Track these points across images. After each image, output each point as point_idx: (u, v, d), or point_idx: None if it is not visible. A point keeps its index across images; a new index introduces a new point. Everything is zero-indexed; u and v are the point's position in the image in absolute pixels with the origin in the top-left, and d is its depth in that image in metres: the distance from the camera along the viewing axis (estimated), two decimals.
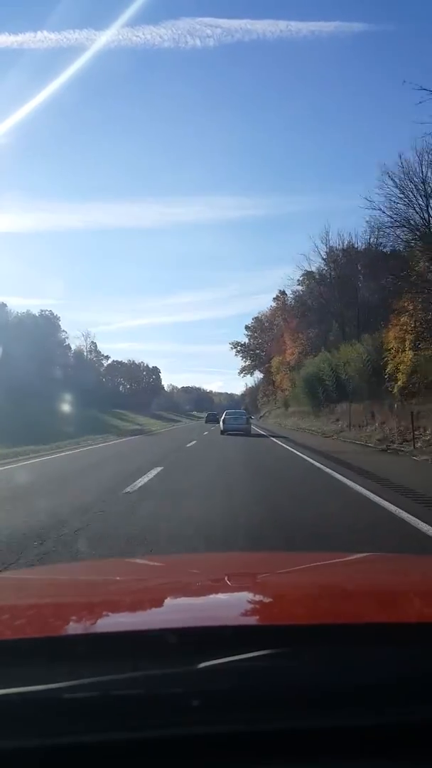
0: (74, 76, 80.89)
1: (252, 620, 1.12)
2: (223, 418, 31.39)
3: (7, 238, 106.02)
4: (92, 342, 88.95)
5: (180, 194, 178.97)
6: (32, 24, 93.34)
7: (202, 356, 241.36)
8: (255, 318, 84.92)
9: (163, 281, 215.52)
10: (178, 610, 1.29)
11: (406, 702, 0.81)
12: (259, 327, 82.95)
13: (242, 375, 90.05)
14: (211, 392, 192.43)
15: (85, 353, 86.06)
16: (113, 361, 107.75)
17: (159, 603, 1.37)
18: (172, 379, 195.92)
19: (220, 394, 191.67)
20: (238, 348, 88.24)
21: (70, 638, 0.96)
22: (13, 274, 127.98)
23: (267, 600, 1.38)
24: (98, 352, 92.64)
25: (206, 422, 54.52)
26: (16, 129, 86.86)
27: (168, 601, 1.40)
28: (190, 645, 0.87)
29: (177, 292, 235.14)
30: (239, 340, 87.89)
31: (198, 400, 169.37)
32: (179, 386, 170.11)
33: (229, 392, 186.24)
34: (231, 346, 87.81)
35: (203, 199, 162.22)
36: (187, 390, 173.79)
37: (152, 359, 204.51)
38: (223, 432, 28.66)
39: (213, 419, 54.31)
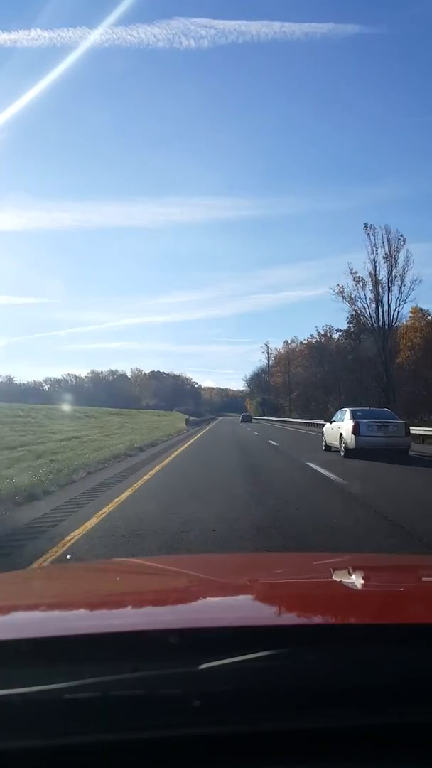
0: (68, 75, 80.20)
1: (252, 621, 1.12)
2: (352, 424, 14.73)
3: (0, 237, 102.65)
4: None
5: (174, 194, 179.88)
6: (25, 22, 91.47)
7: (197, 356, 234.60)
8: None
9: (157, 281, 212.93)
10: (178, 611, 1.28)
11: (406, 703, 0.82)
12: None
13: None
14: (199, 386, 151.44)
15: None
16: None
17: (159, 604, 1.36)
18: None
19: (211, 389, 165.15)
20: None
21: (71, 639, 0.94)
22: (7, 273, 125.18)
23: (267, 601, 1.37)
24: None
25: (241, 422, 59.27)
26: (8, 127, 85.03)
27: (168, 601, 1.39)
28: (190, 646, 0.86)
29: (171, 291, 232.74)
30: None
31: (174, 393, 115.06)
32: (146, 371, 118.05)
33: (222, 387, 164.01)
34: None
35: (198, 199, 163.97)
36: (156, 376, 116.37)
37: (145, 359, 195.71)
38: (351, 452, 14.19)
39: (248, 419, 60.83)
